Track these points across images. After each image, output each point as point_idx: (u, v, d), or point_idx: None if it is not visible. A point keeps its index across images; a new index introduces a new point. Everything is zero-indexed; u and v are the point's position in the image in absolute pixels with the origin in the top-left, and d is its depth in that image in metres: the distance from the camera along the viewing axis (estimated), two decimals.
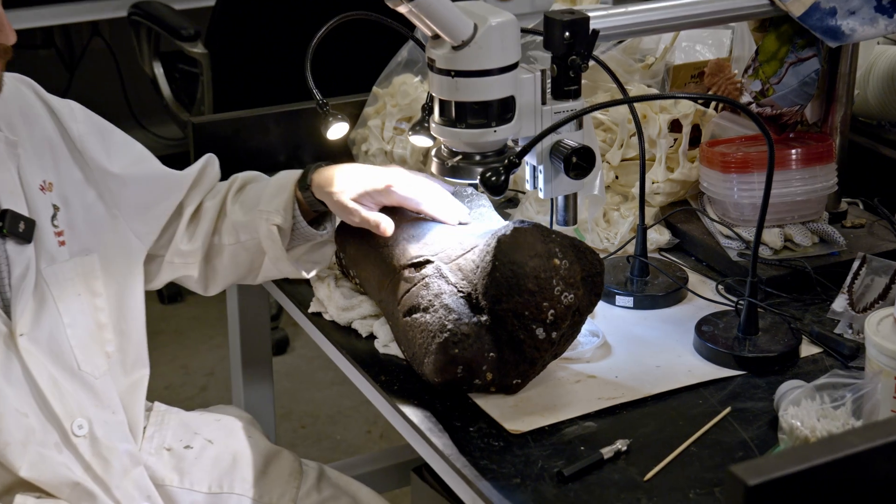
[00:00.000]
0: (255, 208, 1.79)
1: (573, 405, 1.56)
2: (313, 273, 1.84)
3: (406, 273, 1.64)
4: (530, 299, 1.51)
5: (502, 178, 1.52)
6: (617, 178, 2.07)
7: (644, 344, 1.72)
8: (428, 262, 1.63)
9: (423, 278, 1.61)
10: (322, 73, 2.00)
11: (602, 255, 1.90)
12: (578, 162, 1.59)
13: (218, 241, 1.84)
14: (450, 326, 1.53)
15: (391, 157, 2.22)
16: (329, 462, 2.13)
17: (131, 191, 1.78)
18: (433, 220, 1.70)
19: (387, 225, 1.68)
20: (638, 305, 1.82)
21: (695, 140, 2.06)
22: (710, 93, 2.06)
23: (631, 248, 1.91)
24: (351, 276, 1.83)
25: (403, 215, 1.73)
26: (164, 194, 1.82)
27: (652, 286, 1.84)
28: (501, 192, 1.53)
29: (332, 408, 3.48)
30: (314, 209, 1.78)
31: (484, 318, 1.54)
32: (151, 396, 1.88)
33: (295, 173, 1.80)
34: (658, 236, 1.99)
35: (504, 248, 1.52)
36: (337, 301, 1.80)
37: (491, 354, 1.54)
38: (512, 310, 1.52)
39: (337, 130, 1.98)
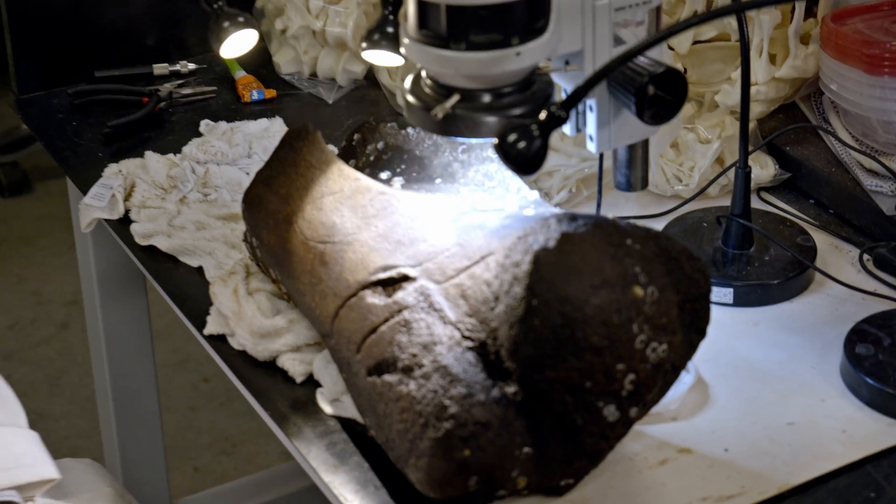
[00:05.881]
0: None
1: None
2: None
3: (369, 296, 1.26)
4: (595, 361, 1.16)
5: (536, 141, 1.14)
6: (685, 72, 1.74)
7: (760, 377, 1.42)
8: (406, 278, 1.25)
9: (401, 310, 1.23)
10: None
11: (673, 206, 1.51)
12: (658, 94, 1.23)
13: None
14: (453, 410, 1.17)
15: (323, 37, 1.90)
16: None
17: None
18: None
19: None
20: (741, 301, 1.51)
21: (811, 10, 1.82)
22: None
23: (714, 194, 1.63)
24: (273, 279, 1.39)
25: (358, 183, 1.36)
26: None
27: (761, 266, 1.54)
28: (536, 166, 1.15)
29: None
30: None
31: (512, 389, 1.17)
32: None
33: None
34: (757, 170, 1.69)
35: (546, 275, 1.15)
36: (250, 319, 1.38)
37: (525, 450, 1.20)
38: (563, 381, 1.17)
39: (235, 44, 1.65)
